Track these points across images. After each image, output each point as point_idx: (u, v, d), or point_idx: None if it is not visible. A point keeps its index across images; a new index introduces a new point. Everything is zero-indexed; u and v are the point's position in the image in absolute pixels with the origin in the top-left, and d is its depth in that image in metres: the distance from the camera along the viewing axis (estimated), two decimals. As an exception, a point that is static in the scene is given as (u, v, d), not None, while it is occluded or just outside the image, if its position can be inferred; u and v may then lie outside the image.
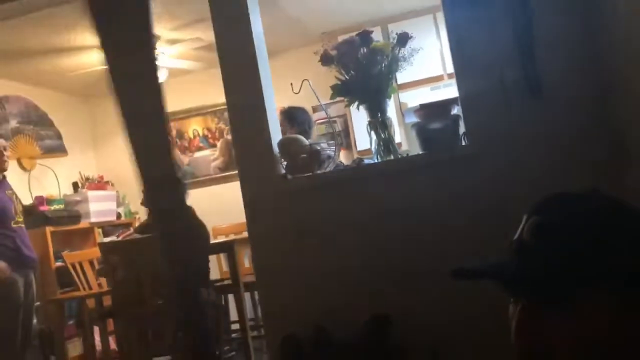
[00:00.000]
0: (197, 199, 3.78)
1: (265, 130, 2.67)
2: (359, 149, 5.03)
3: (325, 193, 2.56)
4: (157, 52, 3.72)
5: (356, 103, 2.60)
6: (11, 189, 3.71)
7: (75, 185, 5.02)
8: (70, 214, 4.48)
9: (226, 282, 4.00)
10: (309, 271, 2.62)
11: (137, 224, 5.02)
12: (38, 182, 4.78)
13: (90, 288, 4.10)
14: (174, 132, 5.61)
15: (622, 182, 2.21)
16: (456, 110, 2.52)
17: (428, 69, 4.74)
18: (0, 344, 3.39)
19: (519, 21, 2.32)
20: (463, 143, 2.47)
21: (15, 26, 3.80)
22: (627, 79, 2.17)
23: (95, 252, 3.99)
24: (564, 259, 0.63)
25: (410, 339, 2.39)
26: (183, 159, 5.60)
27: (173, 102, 5.32)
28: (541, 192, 0.73)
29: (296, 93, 2.63)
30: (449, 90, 4.16)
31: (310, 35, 4.91)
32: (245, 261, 4.20)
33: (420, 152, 2.55)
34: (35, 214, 4.17)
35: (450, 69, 3.36)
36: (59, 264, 4.30)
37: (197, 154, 5.61)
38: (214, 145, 5.58)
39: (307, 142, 2.67)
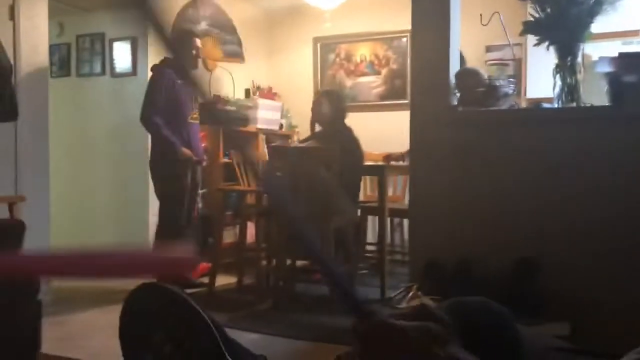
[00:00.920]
0: (353, 124, 3.89)
1: (445, 59, 2.66)
2: (528, 96, 4.80)
3: (497, 131, 2.53)
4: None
5: (546, 43, 2.49)
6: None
7: (247, 92, 5.37)
8: (241, 117, 4.83)
9: (368, 204, 4.12)
10: (465, 206, 2.64)
11: (296, 137, 5.30)
12: (217, 83, 5.18)
13: (250, 186, 4.45)
14: (342, 54, 5.72)
15: None
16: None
17: (622, 22, 4.32)
18: (167, 222, 3.86)
19: None
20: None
21: None
22: None
23: (260, 155, 4.29)
24: None
25: (554, 289, 2.36)
26: (346, 82, 5.71)
27: (345, 25, 5.40)
28: None
29: (484, 25, 2.57)
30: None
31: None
32: (389, 189, 4.27)
33: (608, 104, 2.40)
34: (212, 110, 4.54)
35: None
36: (225, 160, 4.69)
37: (361, 79, 5.69)
38: (379, 73, 5.62)
39: (485, 76, 2.63)
